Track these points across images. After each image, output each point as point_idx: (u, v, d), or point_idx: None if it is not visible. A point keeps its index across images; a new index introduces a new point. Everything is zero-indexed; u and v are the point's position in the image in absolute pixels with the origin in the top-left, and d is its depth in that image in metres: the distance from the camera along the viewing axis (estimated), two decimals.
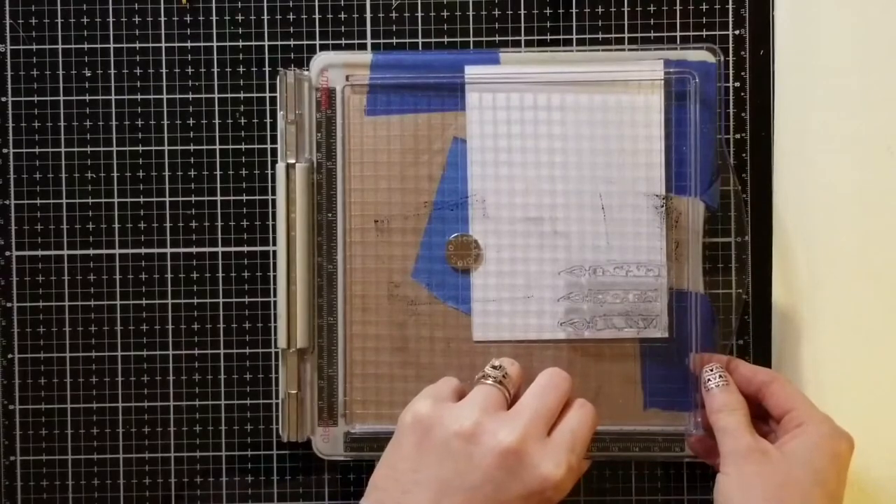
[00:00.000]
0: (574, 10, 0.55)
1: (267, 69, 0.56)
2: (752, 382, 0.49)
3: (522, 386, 0.48)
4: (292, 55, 0.56)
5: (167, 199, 0.56)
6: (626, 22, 0.55)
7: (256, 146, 0.56)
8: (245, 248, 0.56)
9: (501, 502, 0.43)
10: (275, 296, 0.55)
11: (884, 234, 0.55)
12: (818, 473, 0.45)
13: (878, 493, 0.55)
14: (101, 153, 0.56)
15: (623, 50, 0.54)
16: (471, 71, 0.53)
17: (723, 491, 0.45)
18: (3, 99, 0.56)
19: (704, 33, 0.55)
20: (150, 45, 0.56)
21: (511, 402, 0.47)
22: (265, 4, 0.56)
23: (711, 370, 0.49)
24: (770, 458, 0.45)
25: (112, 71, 0.56)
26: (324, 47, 0.55)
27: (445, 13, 0.55)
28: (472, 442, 0.43)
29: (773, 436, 0.48)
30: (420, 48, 0.55)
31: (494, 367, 0.47)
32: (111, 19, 0.56)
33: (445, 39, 0.55)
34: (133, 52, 0.56)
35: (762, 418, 0.50)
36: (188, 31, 0.56)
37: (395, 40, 0.55)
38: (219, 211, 0.56)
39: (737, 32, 0.55)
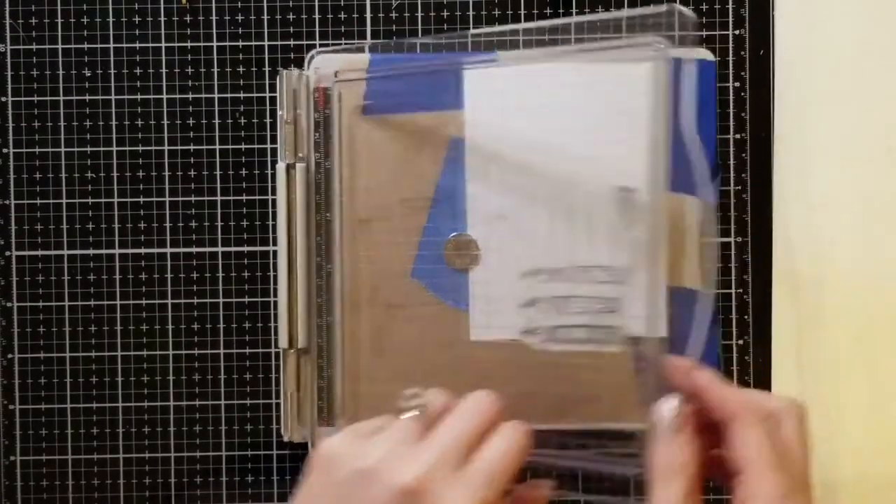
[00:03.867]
0: (574, 11, 0.55)
1: (267, 69, 0.56)
2: (719, 411, 0.40)
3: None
4: (292, 55, 0.56)
5: (167, 199, 0.56)
6: (624, 23, 0.55)
7: (256, 146, 0.56)
8: (245, 248, 0.56)
9: None
10: (275, 296, 0.55)
11: (884, 233, 0.54)
12: None
13: (880, 492, 0.55)
14: (101, 153, 0.56)
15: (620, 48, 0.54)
16: (469, 71, 0.52)
17: None
18: (3, 99, 0.56)
19: (704, 33, 0.55)
20: (150, 45, 0.56)
21: None
22: (265, 4, 0.56)
23: (668, 401, 0.41)
24: None
25: (112, 71, 0.56)
26: (323, 47, 0.55)
27: (445, 13, 0.55)
28: (372, 480, 0.38)
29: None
30: (419, 48, 0.55)
31: (410, 396, 0.42)
32: (111, 19, 0.56)
33: (445, 40, 0.55)
34: (133, 52, 0.56)
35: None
36: (188, 31, 0.56)
37: (394, 40, 0.55)
38: (219, 211, 0.56)
39: (737, 32, 0.55)
